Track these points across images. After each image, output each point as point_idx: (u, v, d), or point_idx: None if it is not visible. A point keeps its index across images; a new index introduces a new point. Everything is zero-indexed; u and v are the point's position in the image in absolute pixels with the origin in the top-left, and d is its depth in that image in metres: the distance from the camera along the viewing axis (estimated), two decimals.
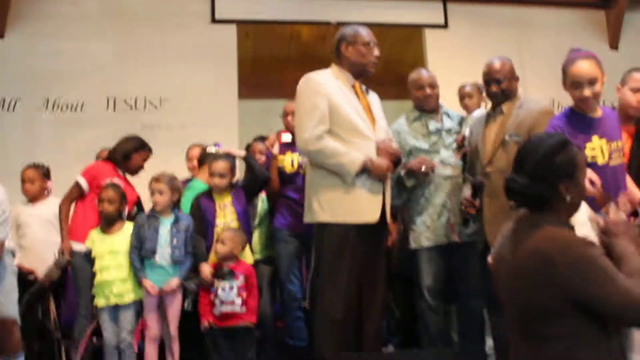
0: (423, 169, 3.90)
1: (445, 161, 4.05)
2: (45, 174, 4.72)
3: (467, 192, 3.76)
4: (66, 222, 4.38)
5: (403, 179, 3.96)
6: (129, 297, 4.08)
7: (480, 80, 3.89)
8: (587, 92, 3.11)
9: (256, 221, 4.54)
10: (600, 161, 3.12)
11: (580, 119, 3.18)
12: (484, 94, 3.90)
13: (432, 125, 4.13)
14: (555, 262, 2.02)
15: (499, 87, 3.73)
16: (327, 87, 3.54)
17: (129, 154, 4.57)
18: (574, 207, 2.24)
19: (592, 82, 3.12)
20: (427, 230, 4.00)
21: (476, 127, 3.89)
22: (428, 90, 4.14)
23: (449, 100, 4.68)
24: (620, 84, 3.67)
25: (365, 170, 3.43)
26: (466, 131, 4.12)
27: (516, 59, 7.28)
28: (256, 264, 4.31)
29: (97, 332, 4.22)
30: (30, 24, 6.63)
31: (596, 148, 3.13)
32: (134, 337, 4.08)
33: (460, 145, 4.11)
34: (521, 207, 2.28)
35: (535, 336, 2.12)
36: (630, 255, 2.16)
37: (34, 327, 4.45)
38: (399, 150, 3.67)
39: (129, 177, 4.64)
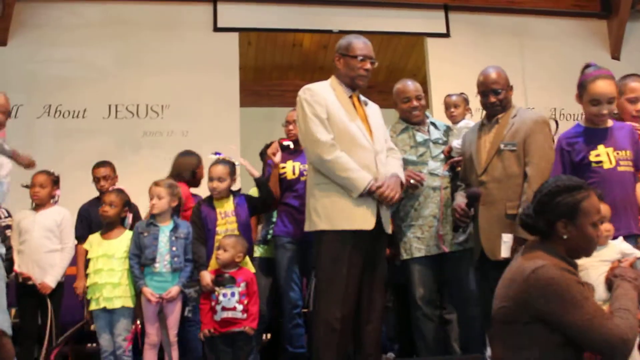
0: (411, 181, 3.90)
1: (433, 172, 4.05)
2: (55, 181, 4.71)
3: (461, 200, 3.76)
4: None
5: None
6: (119, 302, 4.08)
7: None
8: (605, 110, 3.33)
9: None
10: (607, 166, 3.30)
11: (587, 132, 3.38)
12: (480, 104, 3.88)
13: (420, 136, 4.13)
14: (529, 280, 2.25)
15: (497, 98, 3.72)
16: (325, 97, 3.59)
17: (195, 170, 4.68)
18: (576, 249, 2.41)
19: (610, 101, 3.34)
20: (417, 241, 4.00)
21: (469, 137, 3.89)
22: (415, 102, 4.13)
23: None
24: (617, 94, 3.71)
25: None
26: (453, 142, 4.12)
27: (518, 68, 7.41)
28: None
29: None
30: (33, 32, 6.67)
31: (601, 154, 3.32)
32: (127, 343, 4.07)
33: (448, 157, 4.11)
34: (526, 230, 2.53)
35: (505, 341, 2.33)
36: (624, 297, 2.34)
37: (34, 333, 4.45)
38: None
39: None
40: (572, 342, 2.25)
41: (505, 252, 3.45)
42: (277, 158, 4.33)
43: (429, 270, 4.01)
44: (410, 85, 4.18)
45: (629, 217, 3.28)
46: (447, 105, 4.94)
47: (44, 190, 4.61)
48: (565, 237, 2.37)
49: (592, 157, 3.30)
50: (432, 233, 3.99)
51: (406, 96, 4.15)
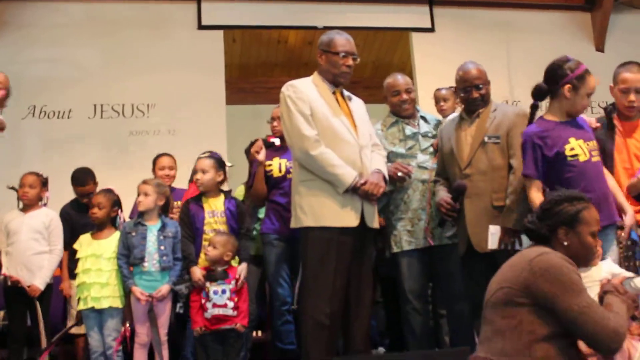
0: (399, 174, 3.91)
1: (422, 165, 4.08)
2: (44, 183, 4.68)
3: (444, 194, 3.77)
4: None
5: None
6: (107, 302, 4.07)
7: None
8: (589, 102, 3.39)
9: None
10: (582, 159, 3.30)
11: (557, 126, 3.36)
12: (461, 100, 3.92)
13: (409, 129, 4.16)
14: (533, 262, 2.36)
15: (479, 93, 3.77)
16: (308, 94, 3.60)
17: None
18: (576, 256, 2.50)
19: None
20: (407, 234, 4.03)
21: (447, 131, 3.92)
22: (404, 96, 4.16)
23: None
24: (612, 83, 3.72)
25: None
26: None
27: (503, 62, 7.43)
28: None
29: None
30: (16, 32, 6.62)
31: (575, 147, 3.31)
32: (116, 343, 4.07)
33: (437, 150, 4.13)
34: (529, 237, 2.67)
35: (495, 324, 2.40)
36: (613, 305, 2.42)
37: (22, 335, 4.43)
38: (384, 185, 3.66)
39: None
40: (560, 335, 2.30)
41: (492, 244, 3.48)
42: (261, 156, 4.32)
43: (419, 264, 4.02)
44: (400, 79, 4.22)
45: (610, 207, 3.33)
46: (437, 99, 4.95)
47: (33, 190, 4.58)
48: (565, 243, 2.49)
49: (568, 151, 3.30)
50: (421, 226, 4.01)
51: (396, 89, 4.18)
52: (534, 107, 3.52)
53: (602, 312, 2.29)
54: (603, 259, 3.06)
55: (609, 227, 3.28)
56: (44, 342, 4.29)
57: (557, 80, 3.39)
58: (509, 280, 2.40)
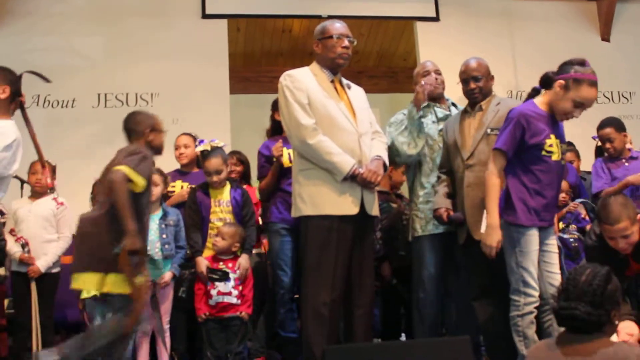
0: (427, 89, 3.94)
1: None
2: (53, 171, 4.69)
3: (444, 203, 3.80)
4: None
5: (412, 113, 3.97)
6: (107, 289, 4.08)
7: None
8: (578, 114, 3.30)
9: None
10: (555, 157, 3.31)
11: (546, 118, 3.33)
12: (462, 92, 3.95)
13: (440, 112, 4.18)
14: None
15: (477, 85, 3.81)
16: (305, 82, 3.60)
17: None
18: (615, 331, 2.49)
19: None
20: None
21: (451, 124, 3.95)
22: (434, 75, 4.18)
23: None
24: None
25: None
26: None
27: (508, 51, 7.39)
28: None
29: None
30: (20, 21, 6.62)
31: (554, 145, 3.30)
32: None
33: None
34: (574, 331, 2.45)
35: None
36: None
37: (28, 324, 4.42)
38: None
39: None
40: None
41: (484, 228, 3.48)
42: (285, 159, 4.30)
43: (441, 250, 4.00)
44: (429, 63, 4.32)
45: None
46: None
47: (46, 178, 4.58)
48: (616, 322, 2.44)
49: (547, 146, 3.28)
50: None
51: (425, 70, 4.23)
52: (535, 91, 3.47)
53: None
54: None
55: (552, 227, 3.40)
56: (35, 330, 4.27)
57: (558, 73, 3.34)
58: None
